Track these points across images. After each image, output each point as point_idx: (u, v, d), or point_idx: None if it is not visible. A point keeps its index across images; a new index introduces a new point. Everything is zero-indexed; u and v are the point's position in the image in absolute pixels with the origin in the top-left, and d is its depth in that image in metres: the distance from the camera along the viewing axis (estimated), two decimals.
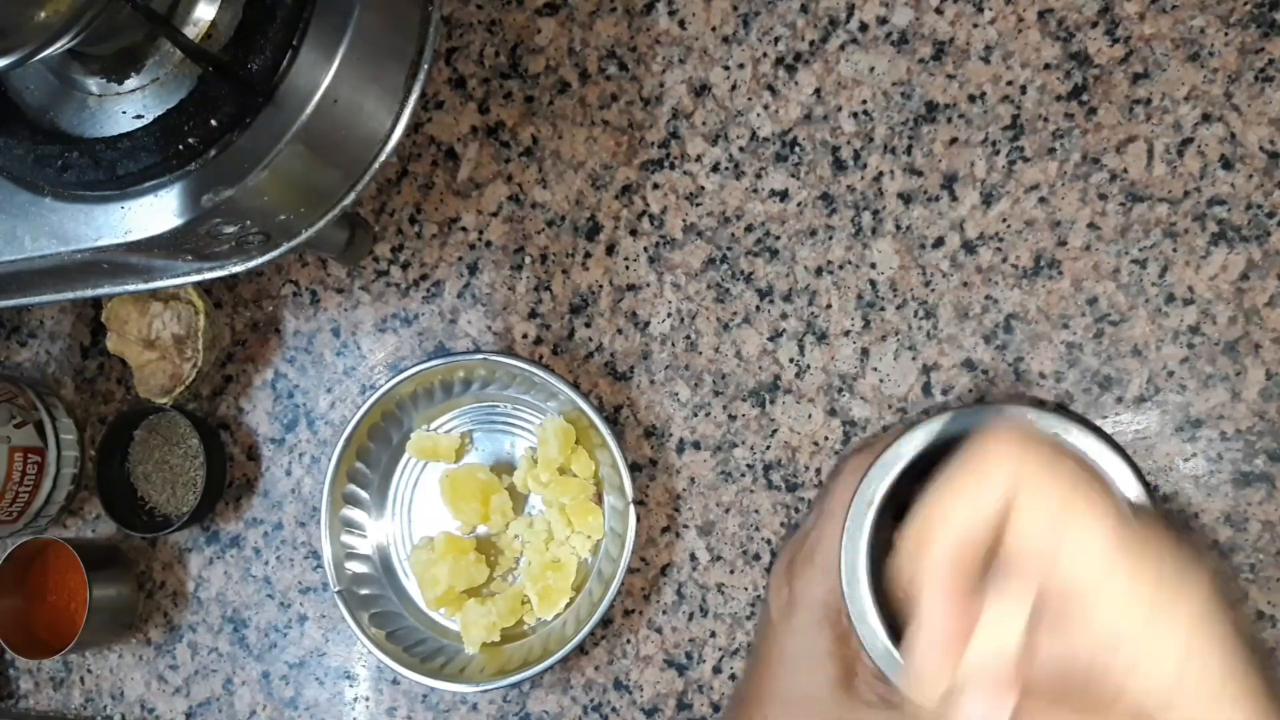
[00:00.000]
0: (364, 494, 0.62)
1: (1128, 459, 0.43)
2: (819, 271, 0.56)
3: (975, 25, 0.54)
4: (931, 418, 0.45)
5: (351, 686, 0.65)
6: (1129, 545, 0.24)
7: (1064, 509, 0.24)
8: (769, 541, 0.57)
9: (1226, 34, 0.50)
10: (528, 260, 0.61)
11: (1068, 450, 0.27)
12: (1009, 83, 0.53)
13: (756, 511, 0.57)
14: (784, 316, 0.57)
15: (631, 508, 0.55)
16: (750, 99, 0.57)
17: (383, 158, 0.46)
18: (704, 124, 0.58)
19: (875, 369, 0.55)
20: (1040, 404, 0.51)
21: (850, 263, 0.56)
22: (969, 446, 0.26)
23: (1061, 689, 0.25)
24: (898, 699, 0.45)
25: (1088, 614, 0.24)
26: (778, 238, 0.57)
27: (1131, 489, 0.41)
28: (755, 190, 0.57)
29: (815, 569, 0.48)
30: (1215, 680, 0.24)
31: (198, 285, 0.62)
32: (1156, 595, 0.24)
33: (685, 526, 0.58)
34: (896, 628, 0.45)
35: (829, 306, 0.56)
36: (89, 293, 0.50)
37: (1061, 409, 0.49)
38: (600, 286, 0.60)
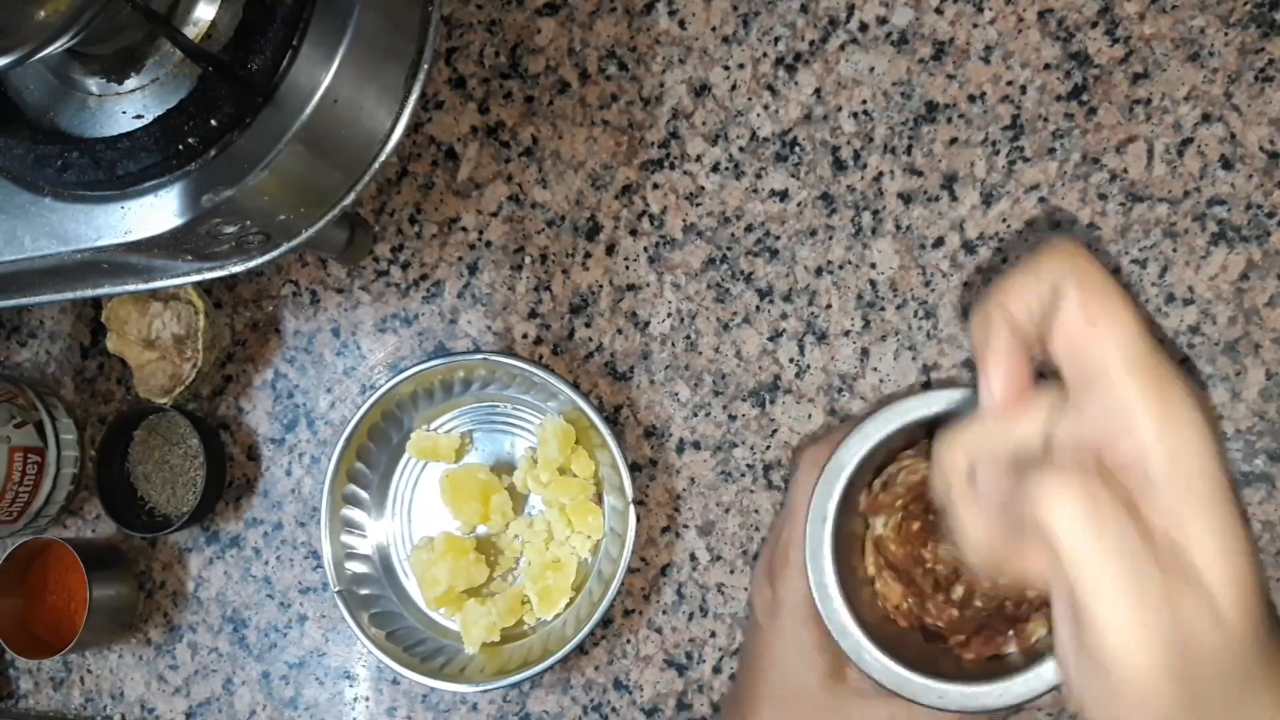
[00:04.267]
0: (364, 494, 0.62)
1: None
2: (819, 271, 0.56)
3: (975, 25, 0.54)
4: (884, 408, 0.47)
5: (351, 686, 0.65)
6: (1149, 349, 0.28)
7: (1100, 305, 0.28)
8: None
9: (1226, 34, 0.50)
10: (528, 260, 0.61)
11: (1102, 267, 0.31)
12: (1009, 83, 0.53)
13: (756, 511, 0.57)
14: (784, 316, 0.57)
15: (631, 508, 0.55)
16: (750, 99, 0.57)
17: (383, 158, 0.46)
18: (704, 124, 0.58)
19: (875, 369, 0.55)
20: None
21: (850, 263, 0.56)
22: (1035, 253, 0.31)
23: (1073, 457, 0.29)
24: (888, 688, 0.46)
25: (1106, 396, 0.28)
26: (778, 238, 0.57)
27: None
28: (755, 190, 0.57)
29: (792, 567, 0.48)
30: (1200, 480, 0.27)
31: (198, 285, 0.62)
32: (1167, 394, 0.27)
33: (685, 526, 0.58)
34: (860, 612, 0.46)
35: (829, 306, 0.56)
36: (89, 293, 0.50)
37: None
38: (600, 286, 0.60)
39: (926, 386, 0.55)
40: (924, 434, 0.48)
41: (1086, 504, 0.27)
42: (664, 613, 0.59)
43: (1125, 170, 0.52)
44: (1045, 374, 0.32)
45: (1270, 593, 0.30)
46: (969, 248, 0.54)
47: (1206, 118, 0.51)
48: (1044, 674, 0.43)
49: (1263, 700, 0.28)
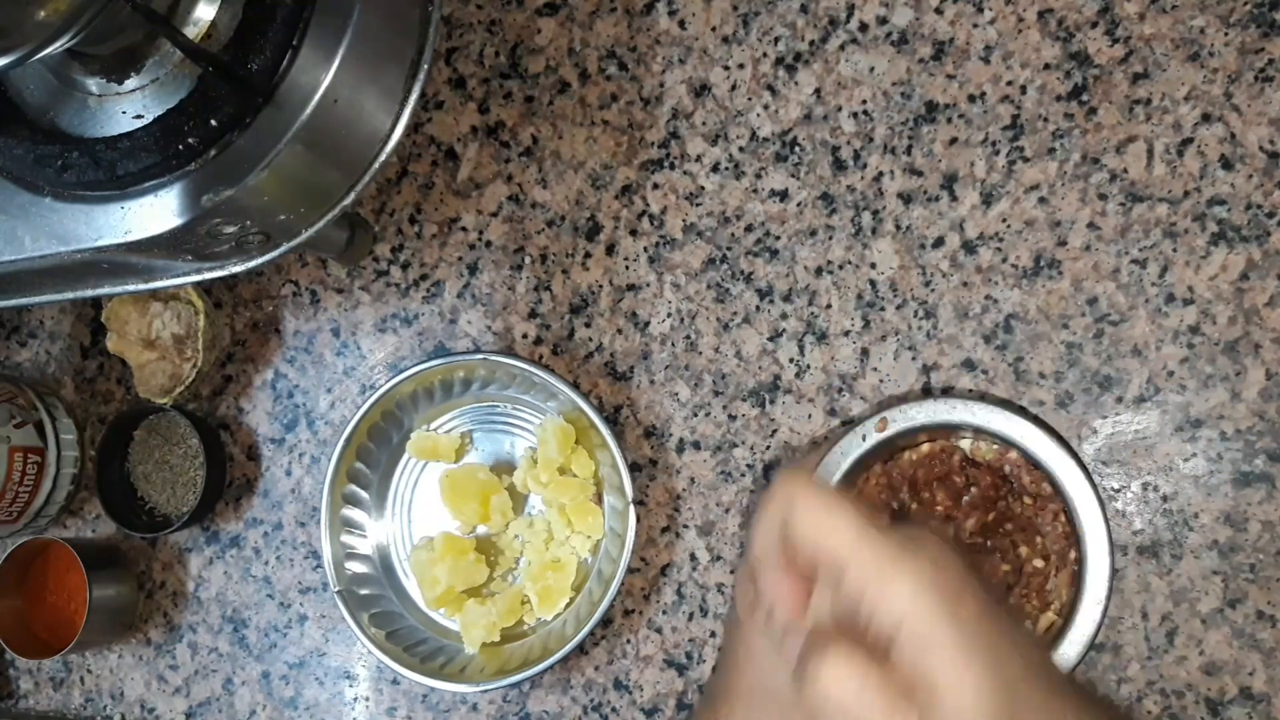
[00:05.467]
0: (364, 494, 0.62)
1: (1049, 429, 0.51)
2: (819, 271, 0.56)
3: (975, 25, 0.54)
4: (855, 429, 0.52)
5: (351, 686, 0.65)
6: (860, 535, 0.34)
7: (813, 520, 0.35)
8: None
9: (1226, 34, 0.50)
10: (528, 260, 0.61)
11: (818, 480, 0.40)
12: (1009, 83, 0.53)
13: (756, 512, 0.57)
14: (784, 316, 0.57)
15: (631, 508, 0.55)
16: (750, 99, 0.57)
17: (383, 158, 0.46)
18: (704, 124, 0.58)
19: (875, 369, 0.55)
20: (946, 390, 0.55)
21: (850, 263, 0.56)
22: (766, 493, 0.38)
23: (836, 632, 0.35)
24: None
25: (843, 580, 0.34)
26: (778, 238, 0.57)
27: (1054, 454, 0.50)
28: (755, 190, 0.57)
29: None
30: (927, 622, 0.32)
31: (198, 285, 0.62)
32: (882, 570, 0.33)
33: (685, 526, 0.58)
34: None
35: (829, 306, 0.56)
36: (89, 293, 0.50)
37: (981, 396, 0.54)
38: (600, 286, 0.60)
39: (927, 388, 0.55)
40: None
41: (840, 669, 0.33)
42: (664, 613, 0.59)
43: (1125, 170, 0.52)
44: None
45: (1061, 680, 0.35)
46: (969, 248, 0.54)
47: (1206, 118, 0.51)
48: None
49: None
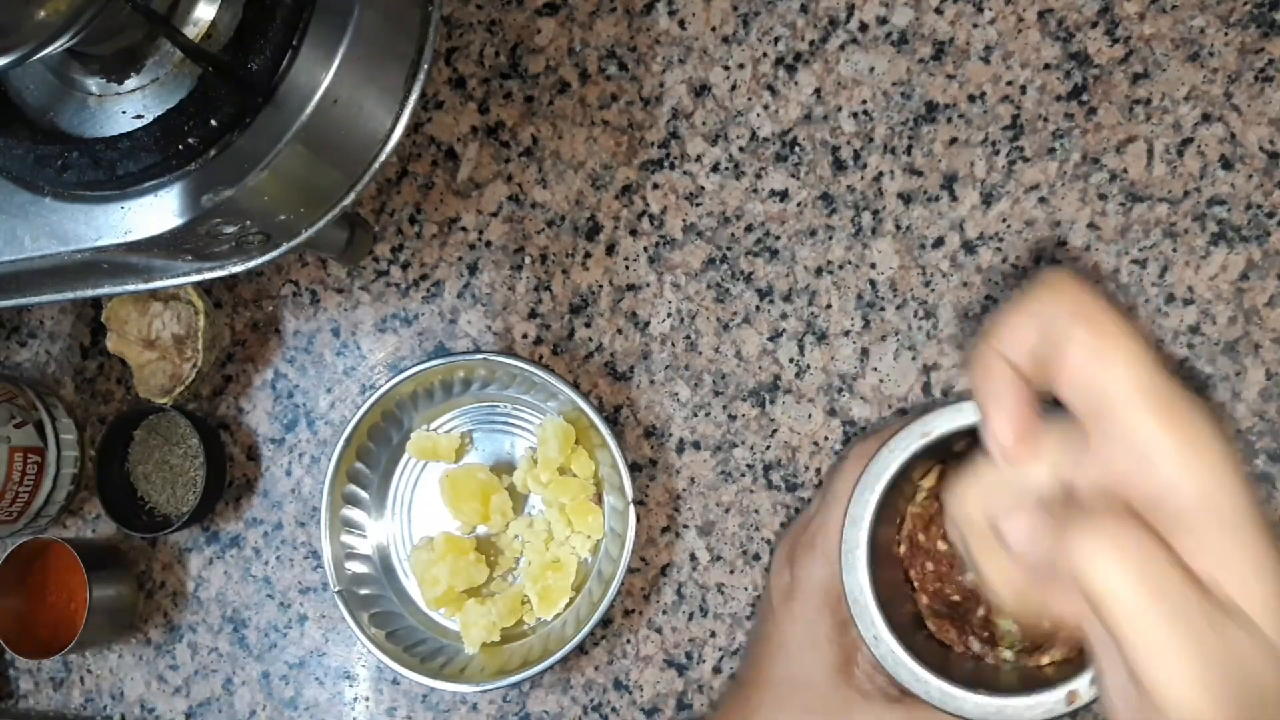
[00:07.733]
0: (364, 494, 0.62)
1: None
2: (819, 271, 0.56)
3: (975, 25, 0.54)
4: (936, 410, 0.46)
5: (351, 686, 0.65)
6: (1162, 381, 0.26)
7: (1109, 342, 0.27)
8: (769, 541, 0.57)
9: (1226, 34, 0.50)
10: (528, 260, 0.61)
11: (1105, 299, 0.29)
12: (1009, 83, 0.53)
13: (756, 511, 0.57)
14: (784, 316, 0.57)
15: (631, 508, 0.55)
16: (750, 99, 0.57)
17: (383, 158, 0.46)
18: (704, 124, 0.58)
19: (875, 369, 0.55)
20: None
21: (850, 263, 0.56)
22: (1028, 287, 0.29)
23: (1101, 501, 0.27)
24: (894, 691, 0.45)
25: (1124, 434, 0.26)
26: (778, 238, 0.57)
27: None
28: (755, 190, 0.57)
29: (817, 554, 0.48)
30: (1233, 512, 0.25)
31: (198, 285, 0.62)
32: (1185, 427, 0.25)
33: (685, 526, 0.58)
34: (892, 615, 0.46)
35: (829, 306, 0.56)
36: (89, 293, 0.50)
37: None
38: (600, 286, 0.60)
39: (927, 387, 0.55)
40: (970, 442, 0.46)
41: (1129, 556, 0.25)
42: (664, 613, 0.59)
43: (1125, 170, 0.52)
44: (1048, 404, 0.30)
45: None
46: (969, 248, 0.54)
47: (1206, 118, 0.51)
48: (1046, 701, 0.43)
49: None
